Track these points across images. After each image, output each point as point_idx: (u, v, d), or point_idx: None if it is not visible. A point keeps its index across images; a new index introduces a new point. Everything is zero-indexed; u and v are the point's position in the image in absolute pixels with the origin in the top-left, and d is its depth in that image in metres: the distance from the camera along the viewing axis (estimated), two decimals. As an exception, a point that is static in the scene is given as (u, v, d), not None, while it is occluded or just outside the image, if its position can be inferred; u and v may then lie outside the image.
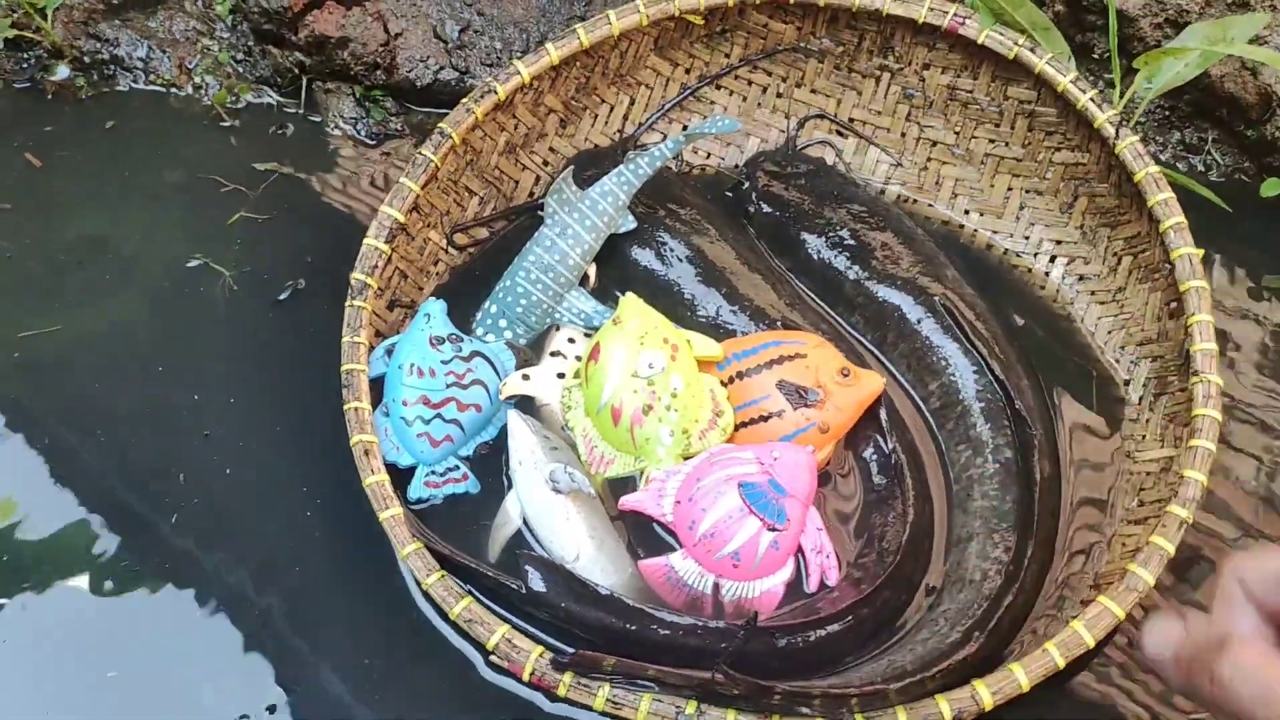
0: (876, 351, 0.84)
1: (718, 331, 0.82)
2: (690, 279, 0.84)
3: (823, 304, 0.86)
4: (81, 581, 0.76)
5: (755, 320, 0.82)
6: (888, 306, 0.83)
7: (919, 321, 0.81)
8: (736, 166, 0.94)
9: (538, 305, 0.82)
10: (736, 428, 0.77)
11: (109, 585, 0.76)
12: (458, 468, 0.77)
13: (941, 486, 0.78)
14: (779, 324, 0.82)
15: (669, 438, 0.75)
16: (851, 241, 0.85)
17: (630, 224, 0.84)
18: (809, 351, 0.78)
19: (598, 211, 0.82)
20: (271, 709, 0.71)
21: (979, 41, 0.84)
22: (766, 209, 0.89)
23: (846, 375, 0.76)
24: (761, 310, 0.83)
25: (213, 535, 0.78)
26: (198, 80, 1.02)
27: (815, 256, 0.86)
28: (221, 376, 0.85)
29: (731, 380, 0.78)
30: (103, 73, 1.02)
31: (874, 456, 0.78)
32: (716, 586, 0.72)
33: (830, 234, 0.85)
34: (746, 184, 0.90)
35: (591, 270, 0.85)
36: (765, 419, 0.77)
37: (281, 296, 0.89)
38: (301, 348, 0.85)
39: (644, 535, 0.76)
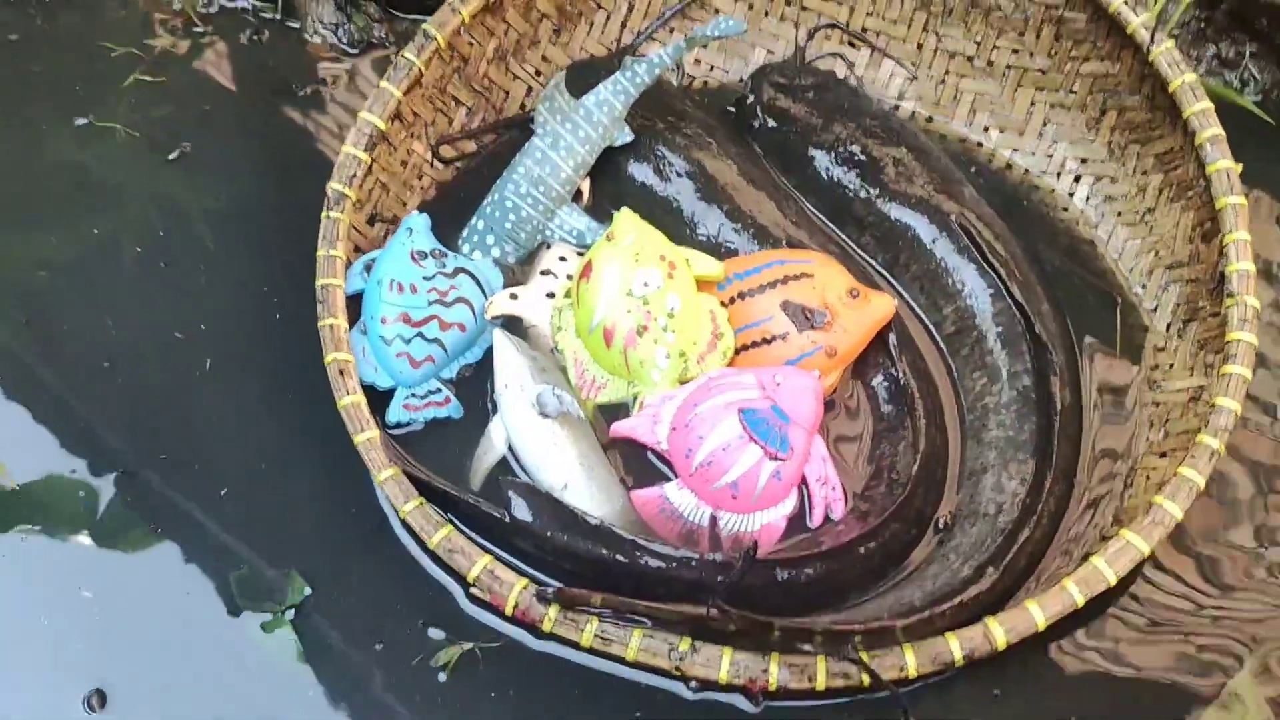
0: (887, 273, 0.80)
1: (719, 250, 0.77)
2: (690, 195, 0.79)
3: (831, 224, 0.82)
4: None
5: (758, 239, 0.78)
6: (900, 226, 0.78)
7: (933, 241, 0.77)
8: (741, 79, 0.89)
9: (527, 221, 0.78)
10: (737, 351, 0.73)
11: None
12: (439, 390, 0.73)
13: (955, 416, 0.74)
14: (783, 243, 0.77)
15: (665, 361, 0.71)
16: (862, 158, 0.80)
17: (627, 136, 0.79)
18: (815, 271, 0.73)
19: (592, 122, 0.78)
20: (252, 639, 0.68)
21: (1004, -59, 0.79)
22: (772, 124, 0.84)
23: (855, 296, 0.72)
24: (765, 228, 0.78)
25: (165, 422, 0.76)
26: (167, -18, 0.96)
27: (823, 174, 0.81)
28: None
29: (732, 301, 0.74)
30: (64, -29, 0.96)
31: (883, 383, 0.73)
32: (714, 519, 0.68)
33: (839, 150, 0.81)
34: (751, 97, 0.85)
35: (585, 185, 0.80)
36: (768, 342, 0.73)
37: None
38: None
39: (637, 465, 0.72)
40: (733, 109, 0.87)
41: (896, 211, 0.78)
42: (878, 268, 0.80)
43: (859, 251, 0.80)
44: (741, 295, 0.74)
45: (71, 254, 0.83)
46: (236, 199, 0.86)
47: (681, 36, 0.83)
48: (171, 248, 0.83)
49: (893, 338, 0.73)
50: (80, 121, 0.89)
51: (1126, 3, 0.76)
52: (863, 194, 0.79)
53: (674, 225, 0.78)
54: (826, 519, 0.69)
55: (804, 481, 0.69)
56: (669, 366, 0.71)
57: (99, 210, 0.85)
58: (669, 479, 0.69)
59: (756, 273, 0.74)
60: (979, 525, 0.66)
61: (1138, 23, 0.75)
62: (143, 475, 0.73)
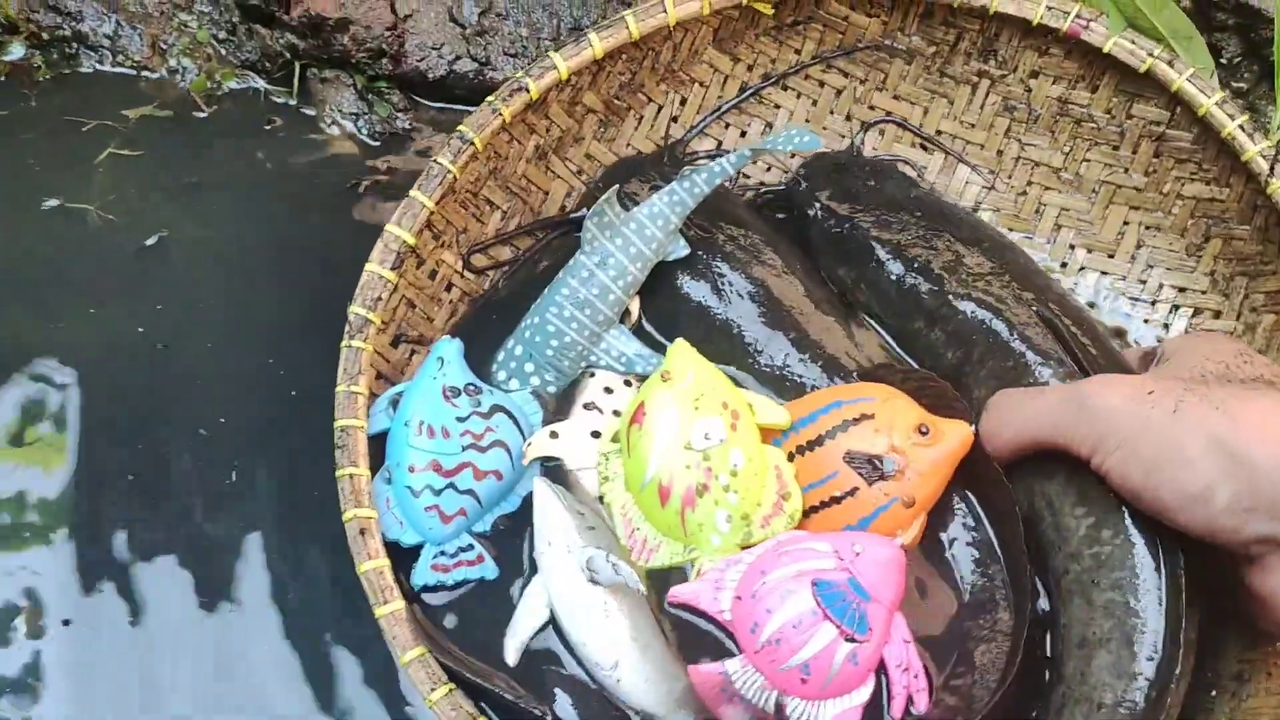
0: (963, 370, 0.70)
1: (783, 383, 0.70)
2: (752, 319, 0.72)
3: (900, 319, 0.73)
4: None
5: (828, 370, 0.70)
6: (974, 318, 0.69)
7: (1012, 334, 0.68)
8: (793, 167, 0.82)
9: (571, 347, 0.71)
10: (806, 513, 0.65)
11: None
12: (472, 547, 0.66)
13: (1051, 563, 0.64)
14: (855, 374, 0.70)
15: (726, 524, 0.63)
16: (931, 248, 0.72)
17: (682, 250, 0.72)
18: (876, 409, 0.65)
19: (645, 238, 0.71)
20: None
21: (1104, 50, 0.72)
22: (828, 212, 0.76)
23: (925, 433, 0.64)
24: (835, 359, 0.71)
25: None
26: (173, 63, 0.89)
27: (887, 266, 0.73)
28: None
29: (792, 457, 0.66)
30: (64, 51, 0.89)
31: (965, 535, 0.65)
32: (780, 705, 0.60)
33: (905, 240, 0.73)
34: (805, 184, 0.78)
35: (634, 304, 0.73)
36: (838, 500, 0.65)
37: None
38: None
39: (692, 636, 0.64)
40: (781, 187, 0.80)
41: (970, 304, 0.70)
42: (950, 362, 0.70)
43: (929, 348, 0.72)
44: (800, 449, 0.66)
45: (80, 344, 0.80)
46: (231, 282, 0.83)
47: (748, 146, 0.76)
48: (172, 334, 0.80)
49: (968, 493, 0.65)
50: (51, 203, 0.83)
51: (1243, 127, 0.69)
52: (932, 286, 0.71)
53: (734, 352, 0.71)
54: (908, 711, 0.61)
55: (883, 665, 0.61)
56: (730, 530, 0.63)
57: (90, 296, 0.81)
58: (730, 652, 0.62)
59: (814, 420, 0.66)
60: (1096, 717, 0.58)
61: (1255, 151, 0.69)
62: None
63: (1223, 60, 0.84)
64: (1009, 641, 0.62)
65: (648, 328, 0.74)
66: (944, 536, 0.67)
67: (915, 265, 0.72)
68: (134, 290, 0.81)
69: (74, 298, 0.80)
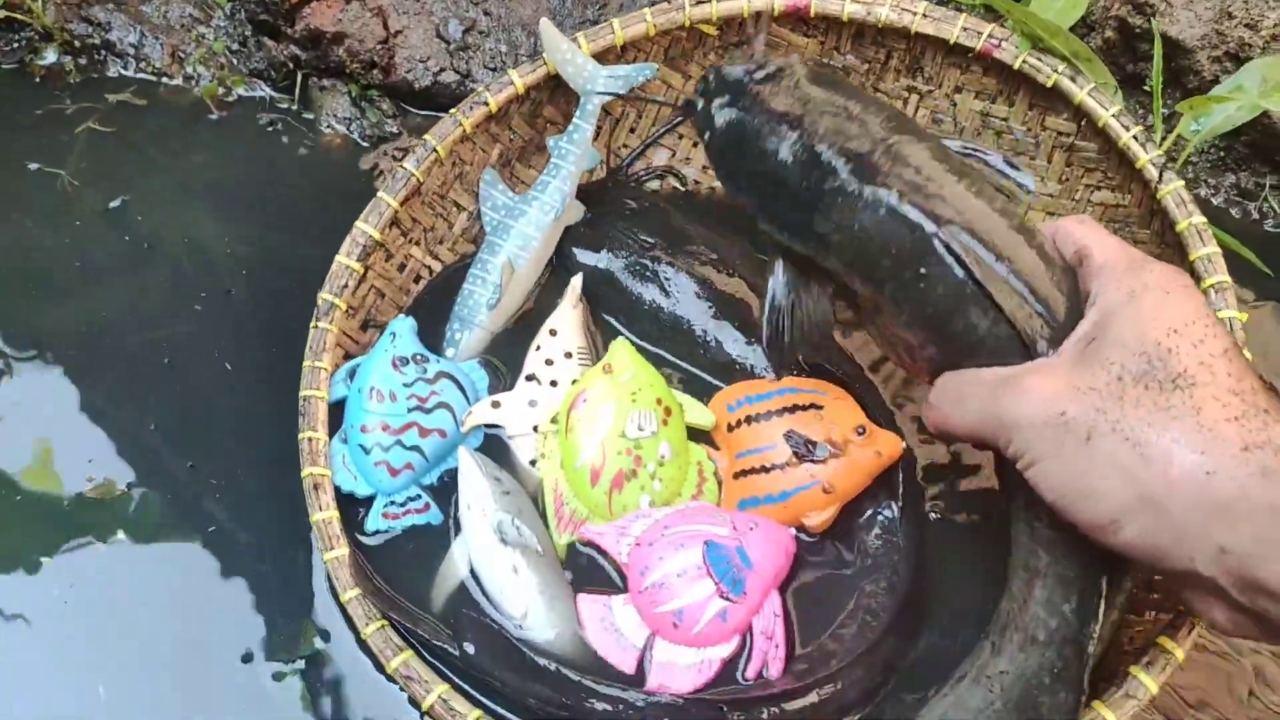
0: (881, 309, 0.63)
1: (733, 370, 0.79)
2: (702, 315, 0.80)
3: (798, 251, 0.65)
4: None
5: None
6: (874, 243, 0.59)
7: (920, 269, 0.58)
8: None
9: (470, 295, 0.82)
10: (735, 476, 0.74)
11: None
12: (419, 497, 0.76)
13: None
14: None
15: (648, 509, 0.72)
16: (831, 160, 0.61)
17: (580, 213, 0.84)
18: (826, 403, 0.74)
19: (542, 207, 0.82)
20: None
21: (1015, 67, 0.79)
22: (724, 132, 0.67)
23: (862, 433, 0.72)
24: None
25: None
26: (189, 70, 1.01)
27: (786, 181, 0.63)
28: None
29: (740, 424, 0.75)
30: (93, 58, 1.01)
31: (878, 520, 0.73)
32: (648, 645, 0.69)
33: (799, 155, 0.62)
34: (701, 102, 0.69)
35: (576, 283, 0.81)
36: (766, 470, 0.73)
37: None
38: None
39: (589, 576, 0.73)
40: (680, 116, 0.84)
41: (869, 219, 0.59)
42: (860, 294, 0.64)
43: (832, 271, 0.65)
44: (749, 419, 0.75)
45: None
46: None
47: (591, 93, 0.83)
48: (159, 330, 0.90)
49: (900, 476, 0.73)
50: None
51: (1136, 137, 0.76)
52: (828, 211, 0.61)
53: (687, 346, 0.80)
54: (760, 674, 0.68)
55: (750, 630, 0.69)
56: (651, 514, 0.72)
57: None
58: (621, 592, 0.71)
59: (768, 398, 0.75)
60: (1029, 653, 0.60)
61: (1146, 159, 0.76)
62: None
63: (1145, 88, 0.91)
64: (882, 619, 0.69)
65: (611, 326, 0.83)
66: (858, 513, 0.74)
67: (804, 177, 0.62)
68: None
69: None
